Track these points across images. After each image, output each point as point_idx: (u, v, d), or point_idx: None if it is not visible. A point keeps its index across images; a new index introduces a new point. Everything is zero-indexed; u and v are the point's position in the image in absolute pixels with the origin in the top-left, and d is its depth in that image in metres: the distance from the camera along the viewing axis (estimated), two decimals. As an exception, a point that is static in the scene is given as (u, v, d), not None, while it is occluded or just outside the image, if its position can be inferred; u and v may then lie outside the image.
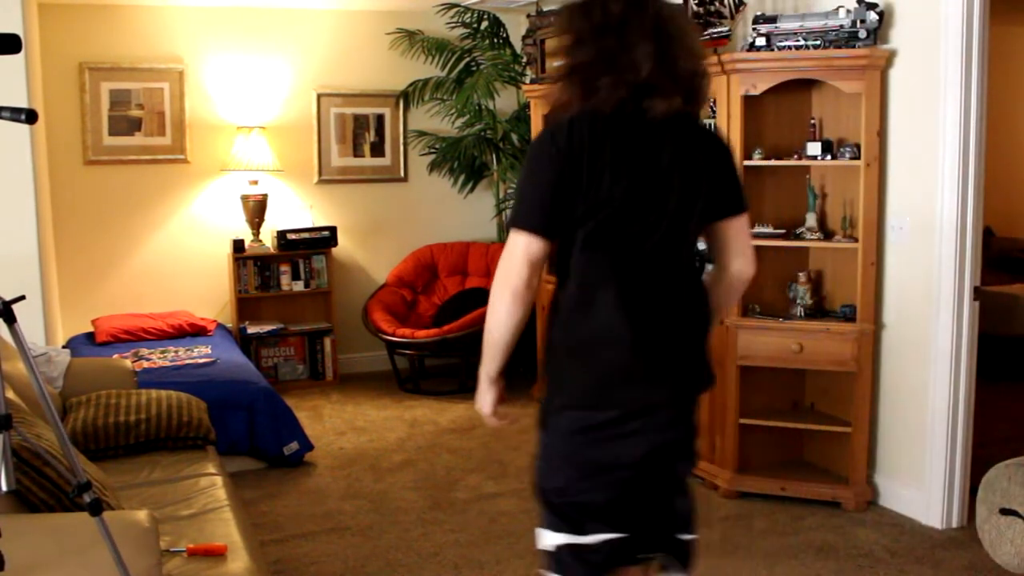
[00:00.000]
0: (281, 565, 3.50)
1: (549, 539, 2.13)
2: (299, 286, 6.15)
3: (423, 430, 5.20)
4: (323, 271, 6.19)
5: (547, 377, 2.09)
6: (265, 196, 6.05)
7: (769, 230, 4.03)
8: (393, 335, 5.88)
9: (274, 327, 6.04)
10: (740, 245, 2.15)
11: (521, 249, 1.97)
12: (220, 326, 5.91)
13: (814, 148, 3.93)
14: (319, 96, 6.32)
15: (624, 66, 1.92)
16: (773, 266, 4.16)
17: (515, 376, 6.19)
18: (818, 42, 3.81)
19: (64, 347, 5.07)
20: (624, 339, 1.97)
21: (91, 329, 5.66)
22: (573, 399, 2.05)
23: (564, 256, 2.04)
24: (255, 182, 6.07)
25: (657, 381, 2.03)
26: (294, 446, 4.55)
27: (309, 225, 6.20)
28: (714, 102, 4.18)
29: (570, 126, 1.95)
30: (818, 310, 4.09)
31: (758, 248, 4.04)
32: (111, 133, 5.89)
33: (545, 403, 2.11)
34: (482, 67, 6.19)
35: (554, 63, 2.21)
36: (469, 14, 6.25)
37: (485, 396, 2.15)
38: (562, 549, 2.11)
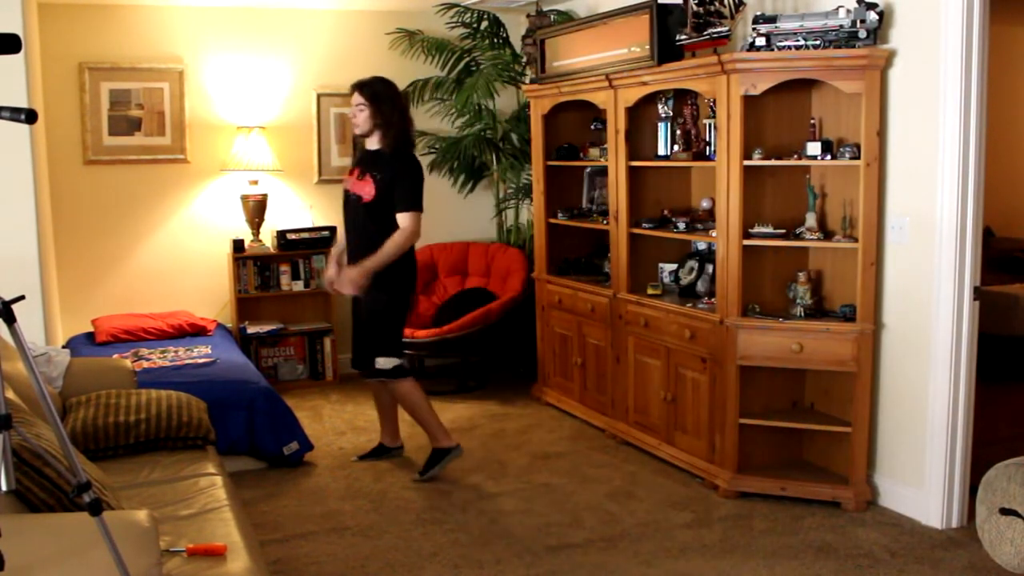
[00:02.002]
0: (281, 565, 3.50)
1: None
2: (299, 286, 6.15)
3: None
4: (323, 271, 6.18)
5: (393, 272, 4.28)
6: (265, 196, 6.05)
7: (769, 230, 4.03)
8: (393, 335, 5.88)
9: (274, 327, 6.05)
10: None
11: (419, 219, 4.25)
12: (220, 326, 5.92)
13: (814, 148, 3.93)
14: (319, 96, 6.32)
15: (412, 126, 4.41)
16: (773, 266, 4.17)
17: (515, 376, 6.20)
18: (818, 42, 3.81)
19: (64, 347, 5.08)
20: (414, 257, 4.42)
21: (91, 329, 5.66)
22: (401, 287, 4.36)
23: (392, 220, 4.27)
24: (255, 182, 6.07)
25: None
26: (294, 446, 4.55)
27: (309, 225, 6.20)
28: (714, 102, 4.19)
29: (414, 155, 4.36)
30: (818, 310, 4.09)
31: (758, 248, 4.08)
32: (111, 133, 5.90)
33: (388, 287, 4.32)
34: (482, 67, 6.19)
35: (382, 119, 4.28)
36: (469, 14, 6.25)
37: (359, 280, 4.26)
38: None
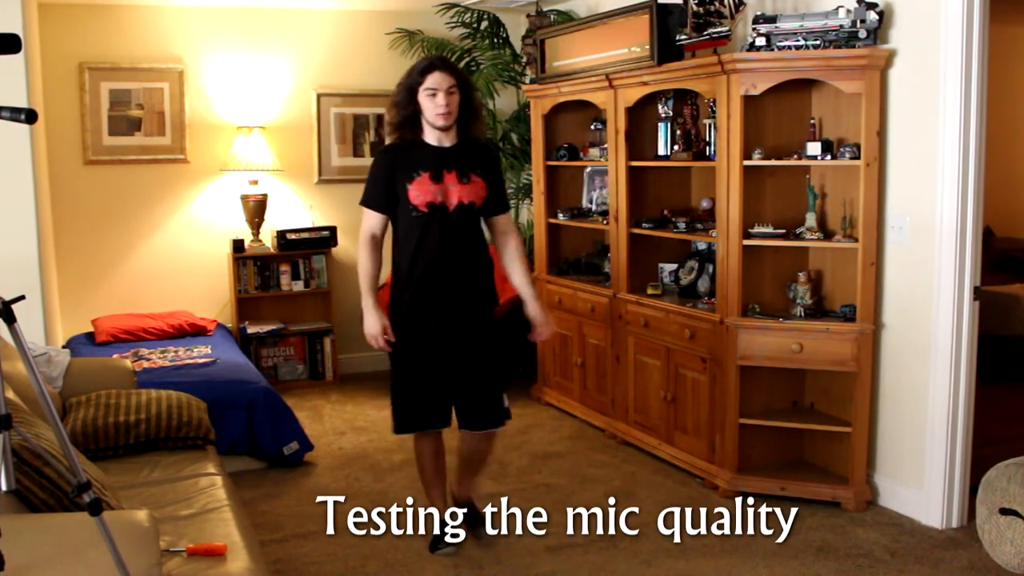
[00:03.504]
0: (281, 565, 3.50)
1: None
2: (299, 286, 6.15)
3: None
4: (323, 271, 6.19)
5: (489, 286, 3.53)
6: (265, 196, 6.05)
7: (769, 230, 4.03)
8: (393, 335, 5.87)
9: (274, 327, 6.05)
10: None
11: None
12: (220, 326, 5.92)
13: (814, 148, 3.93)
14: (319, 96, 6.32)
15: None
16: (773, 266, 4.17)
17: (515, 375, 6.20)
18: (818, 42, 3.81)
19: (64, 347, 5.08)
20: None
21: (91, 329, 5.66)
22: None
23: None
24: (255, 182, 6.07)
25: None
26: (294, 446, 4.55)
27: (309, 225, 6.20)
28: (714, 102, 4.18)
29: None
30: (818, 310, 4.09)
31: (758, 248, 4.07)
32: (111, 133, 5.90)
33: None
34: (482, 67, 6.19)
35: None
36: (469, 14, 6.25)
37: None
38: None
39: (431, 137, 3.38)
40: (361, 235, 3.45)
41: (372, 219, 3.42)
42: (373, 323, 3.36)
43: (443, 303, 3.40)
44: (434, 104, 3.29)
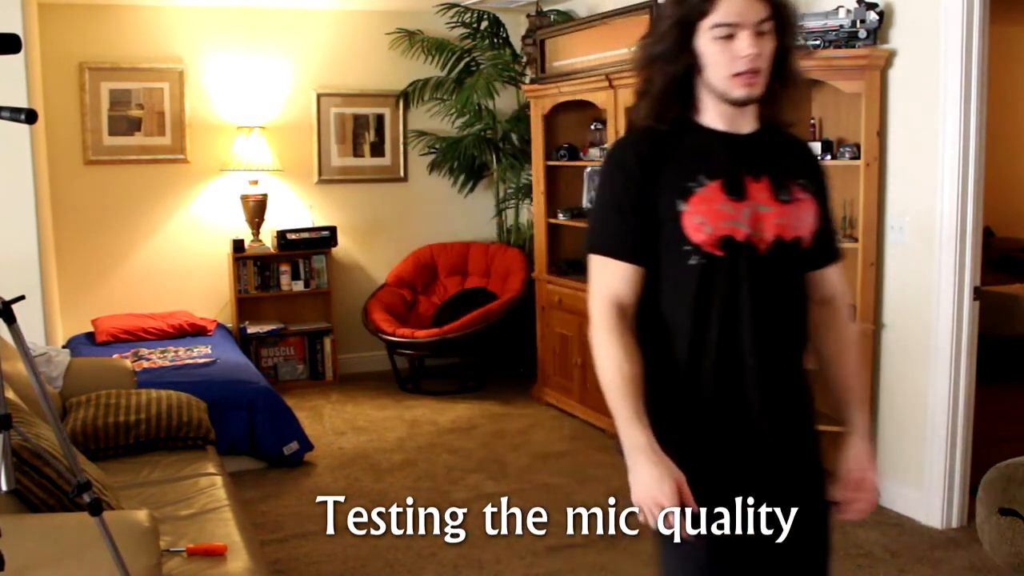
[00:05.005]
0: (281, 565, 3.50)
1: None
2: (299, 286, 6.15)
3: (423, 430, 5.20)
4: (323, 271, 6.19)
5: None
6: (265, 196, 6.05)
7: (769, 230, 4.02)
8: (393, 335, 5.88)
9: (274, 327, 6.04)
10: None
11: None
12: (220, 326, 5.92)
13: (814, 148, 3.92)
14: (319, 96, 6.32)
15: None
16: (773, 266, 4.16)
17: (515, 376, 6.20)
18: (818, 42, 3.81)
19: (64, 347, 5.07)
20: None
21: (91, 329, 5.66)
22: None
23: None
24: (255, 182, 6.07)
25: None
26: (294, 446, 4.55)
27: (309, 225, 6.20)
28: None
29: None
30: (818, 310, 4.08)
31: (758, 248, 4.05)
32: (111, 133, 5.89)
33: None
34: (482, 67, 6.19)
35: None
36: (469, 14, 6.25)
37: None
38: None
39: (716, 117, 1.84)
40: (594, 308, 1.89)
41: (616, 276, 1.85)
42: (660, 479, 1.71)
43: (763, 434, 1.84)
44: (731, 54, 1.73)
